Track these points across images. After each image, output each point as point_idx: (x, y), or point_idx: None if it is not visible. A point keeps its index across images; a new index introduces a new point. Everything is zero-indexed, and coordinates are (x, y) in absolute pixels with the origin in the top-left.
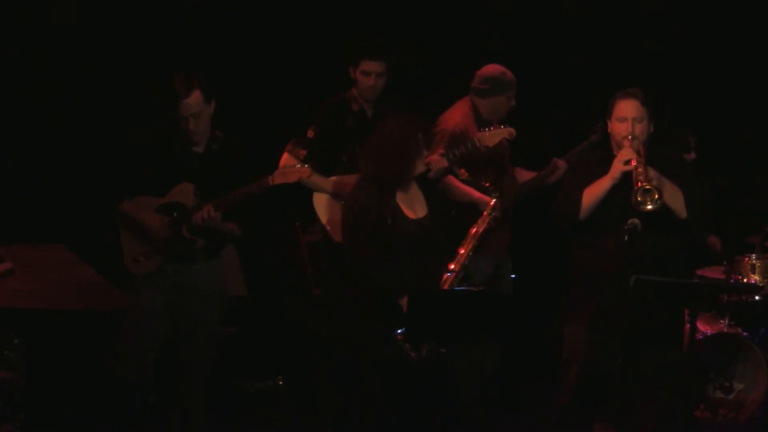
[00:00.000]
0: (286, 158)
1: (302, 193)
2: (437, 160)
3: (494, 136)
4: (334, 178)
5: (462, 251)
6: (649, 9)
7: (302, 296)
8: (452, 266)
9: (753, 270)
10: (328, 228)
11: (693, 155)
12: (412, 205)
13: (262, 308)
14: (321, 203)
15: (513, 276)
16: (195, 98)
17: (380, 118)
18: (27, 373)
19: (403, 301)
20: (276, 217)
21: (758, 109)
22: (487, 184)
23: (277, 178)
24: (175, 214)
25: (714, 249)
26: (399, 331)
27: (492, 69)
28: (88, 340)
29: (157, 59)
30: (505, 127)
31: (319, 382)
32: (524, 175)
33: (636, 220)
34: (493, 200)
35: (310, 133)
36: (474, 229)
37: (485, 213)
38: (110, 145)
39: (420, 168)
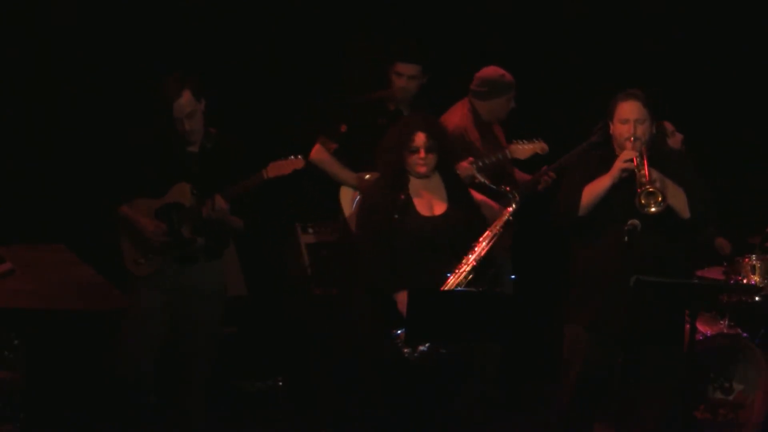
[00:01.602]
0: (317, 148)
1: (302, 192)
2: (466, 167)
3: (527, 150)
4: (364, 174)
5: (474, 253)
6: (649, 9)
7: (302, 296)
8: (462, 266)
9: (753, 271)
10: (350, 222)
11: (679, 136)
12: (430, 202)
13: (262, 308)
14: (347, 198)
15: (513, 276)
16: (186, 98)
17: None
18: (27, 373)
19: (401, 299)
20: (276, 217)
21: (758, 109)
22: (508, 189)
23: (271, 171)
24: (174, 214)
25: (722, 252)
26: (399, 331)
27: (490, 71)
28: (88, 340)
29: (156, 59)
30: (538, 141)
31: (319, 382)
32: (518, 177)
33: (636, 221)
34: (513, 205)
35: (343, 128)
36: (491, 232)
37: (503, 217)
38: (110, 145)
39: (417, 167)
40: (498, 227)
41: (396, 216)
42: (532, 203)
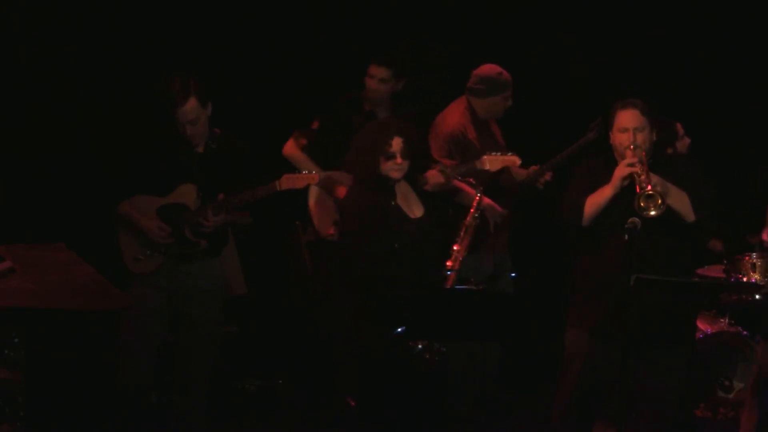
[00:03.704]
0: (289, 143)
1: (303, 192)
2: (434, 175)
3: (498, 162)
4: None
5: (456, 247)
6: (649, 8)
7: (302, 296)
8: (450, 264)
9: (753, 269)
10: (316, 222)
11: (687, 140)
12: (409, 206)
13: (262, 308)
14: (313, 194)
15: (513, 275)
16: (191, 105)
17: None
18: (27, 373)
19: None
20: (276, 216)
21: (758, 108)
22: (472, 180)
23: (284, 183)
24: (177, 215)
25: (716, 251)
26: (399, 330)
27: (488, 69)
28: (88, 340)
29: (158, 58)
30: (511, 155)
31: (319, 383)
32: (518, 173)
33: (636, 219)
34: (478, 196)
35: (315, 125)
36: (464, 225)
37: (472, 209)
38: (111, 145)
39: (392, 172)
40: (471, 219)
41: (391, 220)
42: (532, 201)
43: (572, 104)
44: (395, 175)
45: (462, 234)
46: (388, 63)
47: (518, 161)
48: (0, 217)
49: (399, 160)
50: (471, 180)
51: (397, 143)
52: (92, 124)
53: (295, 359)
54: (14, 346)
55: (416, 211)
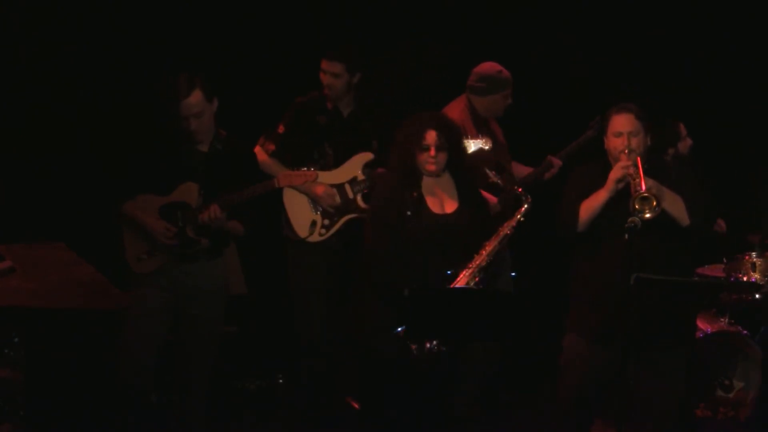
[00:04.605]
0: (257, 150)
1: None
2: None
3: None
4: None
5: (488, 248)
6: (649, 8)
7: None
8: (471, 265)
9: (753, 268)
10: (293, 223)
11: (689, 141)
12: (441, 201)
13: (262, 308)
14: (288, 197)
15: (513, 274)
16: (196, 98)
17: (357, 118)
18: (27, 372)
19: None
20: (276, 216)
21: (758, 108)
22: (520, 190)
23: (282, 181)
24: (179, 213)
25: (719, 230)
26: (399, 329)
27: (488, 67)
28: (88, 340)
29: (158, 58)
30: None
31: (319, 383)
32: (520, 170)
33: (636, 219)
34: (525, 206)
35: (281, 129)
36: (502, 232)
37: (516, 216)
38: (112, 145)
39: (428, 165)
40: (509, 228)
41: (409, 213)
42: (532, 201)
43: (572, 104)
44: (431, 168)
45: (495, 239)
46: (339, 58)
47: (489, 142)
48: (0, 217)
49: (433, 152)
50: (519, 190)
51: (431, 136)
52: (92, 124)
53: (295, 359)
54: (14, 345)
55: (447, 207)
